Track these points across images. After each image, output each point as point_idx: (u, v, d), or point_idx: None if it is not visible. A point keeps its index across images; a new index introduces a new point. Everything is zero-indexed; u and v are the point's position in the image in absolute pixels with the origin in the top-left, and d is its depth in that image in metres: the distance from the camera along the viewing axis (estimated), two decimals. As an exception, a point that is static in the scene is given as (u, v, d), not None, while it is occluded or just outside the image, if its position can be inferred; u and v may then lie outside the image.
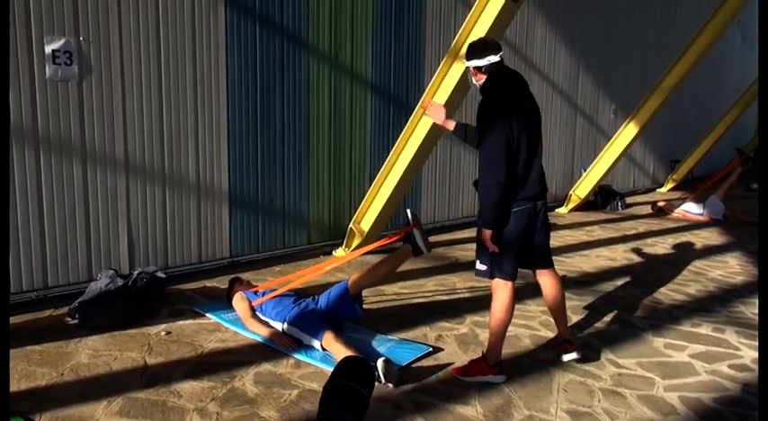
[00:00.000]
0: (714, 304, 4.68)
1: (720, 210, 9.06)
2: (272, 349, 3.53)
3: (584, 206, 9.61)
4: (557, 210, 9.57)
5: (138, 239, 4.66)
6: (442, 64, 5.23)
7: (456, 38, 5.12)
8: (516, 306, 4.45)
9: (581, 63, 9.95)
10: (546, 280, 3.45)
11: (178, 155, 4.83)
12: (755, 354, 3.65)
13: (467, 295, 4.78)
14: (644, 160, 12.51)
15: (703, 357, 3.60)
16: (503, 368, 3.20)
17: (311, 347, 3.51)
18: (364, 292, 4.57)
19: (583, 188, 9.50)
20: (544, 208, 3.28)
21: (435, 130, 5.46)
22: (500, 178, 2.99)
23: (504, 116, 3.04)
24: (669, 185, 12.88)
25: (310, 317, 3.64)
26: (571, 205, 9.51)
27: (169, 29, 4.63)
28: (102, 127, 4.35)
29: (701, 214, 9.16)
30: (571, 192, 9.57)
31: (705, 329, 4.09)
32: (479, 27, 4.96)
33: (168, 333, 3.75)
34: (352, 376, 1.81)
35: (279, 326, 3.72)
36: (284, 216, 5.72)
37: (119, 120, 4.43)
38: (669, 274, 5.63)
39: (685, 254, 6.61)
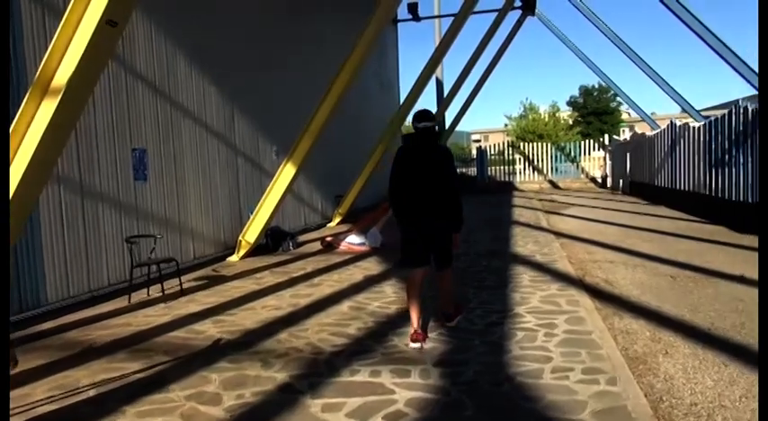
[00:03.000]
0: (372, 342, 4.58)
1: (379, 239, 9.76)
2: None
3: (256, 250, 9.21)
4: (228, 258, 8.94)
5: None
6: (25, 100, 4.04)
7: (42, 64, 4.01)
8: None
9: (235, 106, 9.65)
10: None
11: None
12: (410, 394, 3.52)
13: (91, 394, 3.65)
14: (311, 198, 12.94)
15: (360, 412, 3.29)
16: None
17: None
18: None
19: (252, 232, 9.09)
20: (432, 225, 4.55)
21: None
22: (392, 198, 4.62)
23: (396, 161, 4.57)
24: (337, 219, 13.63)
25: None
26: (242, 252, 9.00)
27: None
28: None
29: (363, 244, 9.69)
30: (241, 237, 9.06)
31: (362, 376, 3.86)
32: (73, 52, 3.98)
33: None
34: None
35: None
36: None
37: None
38: (332, 315, 5.47)
39: (348, 289, 6.65)
